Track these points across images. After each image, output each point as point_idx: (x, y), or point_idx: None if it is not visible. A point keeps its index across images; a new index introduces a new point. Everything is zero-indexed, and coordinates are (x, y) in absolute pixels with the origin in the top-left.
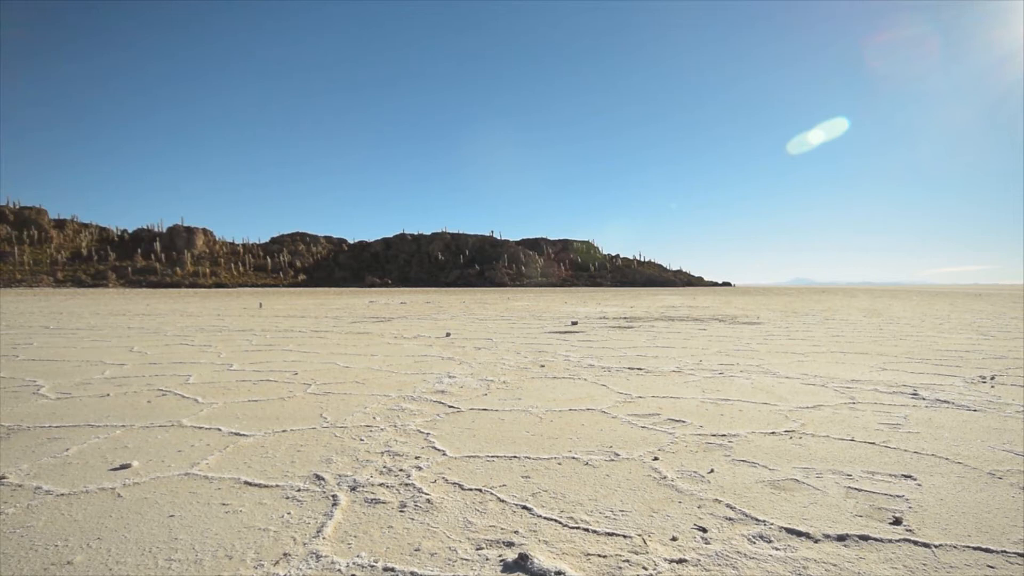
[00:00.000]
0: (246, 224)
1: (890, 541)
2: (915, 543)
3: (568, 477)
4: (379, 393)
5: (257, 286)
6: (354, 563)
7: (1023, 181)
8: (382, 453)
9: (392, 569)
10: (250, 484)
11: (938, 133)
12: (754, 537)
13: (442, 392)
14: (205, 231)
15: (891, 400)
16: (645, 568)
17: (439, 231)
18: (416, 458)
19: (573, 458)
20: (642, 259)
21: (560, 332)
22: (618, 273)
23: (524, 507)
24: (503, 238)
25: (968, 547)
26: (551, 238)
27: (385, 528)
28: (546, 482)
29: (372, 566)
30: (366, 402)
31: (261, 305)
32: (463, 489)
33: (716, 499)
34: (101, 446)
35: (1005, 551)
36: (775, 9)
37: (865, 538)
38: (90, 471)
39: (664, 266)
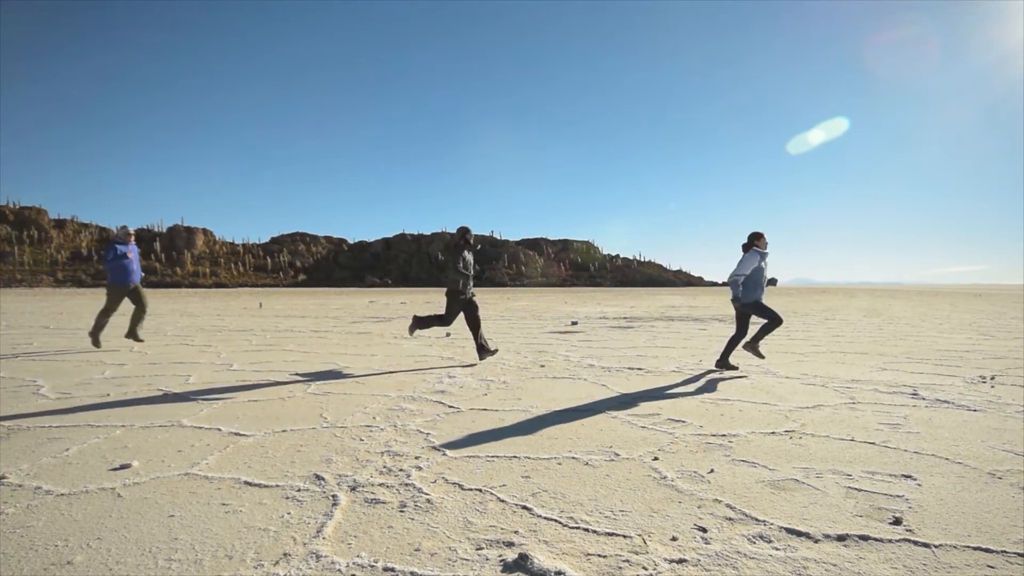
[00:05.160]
0: (246, 224)
1: (890, 541)
2: (915, 543)
3: (568, 477)
4: (379, 393)
5: (257, 286)
6: (354, 563)
7: (1023, 181)
8: (382, 453)
9: (392, 569)
10: (250, 484)
11: (938, 133)
12: (754, 537)
13: (442, 392)
14: (205, 231)
15: (891, 400)
16: (645, 568)
17: (439, 231)
18: (416, 458)
19: (573, 458)
20: (642, 259)
21: (560, 332)
22: (618, 273)
23: (524, 507)
24: (503, 238)
25: (968, 547)
26: (551, 238)
27: (385, 528)
28: (546, 482)
29: (372, 566)
30: (366, 402)
31: (261, 305)
32: (463, 489)
33: (716, 499)
34: (101, 446)
35: (1005, 551)
36: (775, 9)
37: (865, 538)
38: (90, 471)
39: (664, 266)
